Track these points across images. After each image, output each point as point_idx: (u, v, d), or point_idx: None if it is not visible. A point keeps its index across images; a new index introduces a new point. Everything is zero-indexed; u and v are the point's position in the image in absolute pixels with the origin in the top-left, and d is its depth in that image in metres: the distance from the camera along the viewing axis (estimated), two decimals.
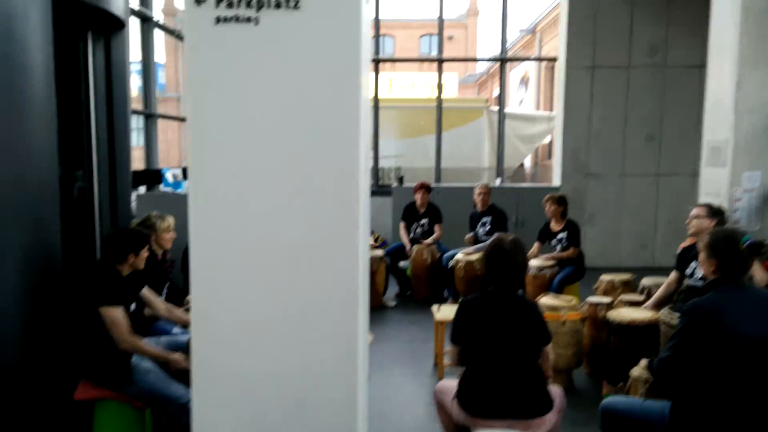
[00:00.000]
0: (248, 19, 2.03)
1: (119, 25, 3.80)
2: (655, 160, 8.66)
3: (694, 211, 4.47)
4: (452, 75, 12.28)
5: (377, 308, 6.71)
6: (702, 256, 2.83)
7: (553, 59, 10.03)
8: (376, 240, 8.88)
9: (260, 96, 2.07)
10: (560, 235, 6.23)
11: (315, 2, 2.04)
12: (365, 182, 2.29)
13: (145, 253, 3.21)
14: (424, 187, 7.39)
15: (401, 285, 7.37)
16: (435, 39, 30.32)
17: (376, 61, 9.72)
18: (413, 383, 4.60)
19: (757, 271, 4.12)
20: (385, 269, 6.89)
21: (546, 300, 4.67)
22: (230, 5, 2.02)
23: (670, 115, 8.52)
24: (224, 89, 2.06)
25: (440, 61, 9.71)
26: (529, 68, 18.00)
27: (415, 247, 7.05)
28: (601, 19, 8.37)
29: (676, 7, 8.06)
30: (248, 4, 2.03)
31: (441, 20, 9.56)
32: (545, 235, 6.40)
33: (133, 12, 6.32)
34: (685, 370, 2.68)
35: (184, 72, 2.68)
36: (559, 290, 5.79)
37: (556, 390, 3.06)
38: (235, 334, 2.15)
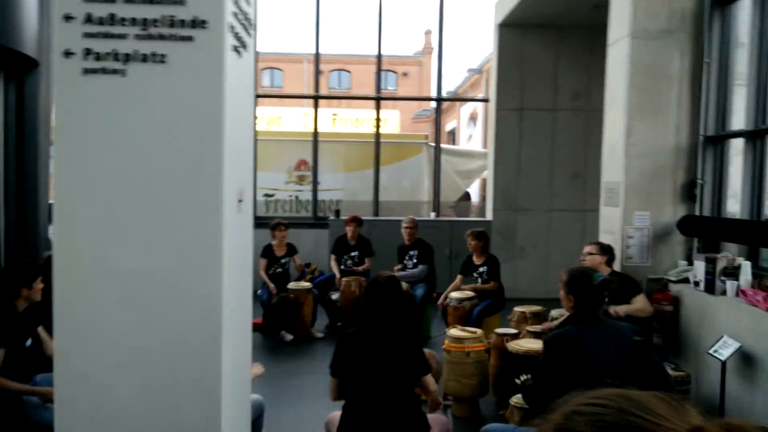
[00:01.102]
0: (115, 71, 2.20)
1: (33, 64, 3.93)
2: (580, 197, 9.06)
3: (587, 249, 4.78)
4: (394, 112, 12.62)
5: (305, 340, 6.82)
6: (561, 293, 3.08)
7: (485, 100, 10.44)
8: (313, 272, 8.97)
9: (126, 144, 2.23)
10: (481, 269, 6.49)
11: (180, 57, 2.22)
12: (233, 222, 2.43)
13: (39, 285, 3.26)
14: (355, 221, 7.60)
15: (331, 316, 7.48)
16: (391, 75, 31.02)
17: (316, 98, 9.98)
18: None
19: (640, 302, 4.43)
20: (313, 301, 7.02)
21: (452, 332, 4.88)
22: (98, 58, 2.19)
23: (593, 154, 8.93)
24: (91, 137, 2.21)
25: (378, 99, 10.02)
26: (478, 106, 18.58)
27: (344, 279, 7.20)
28: (528, 65, 8.83)
29: (597, 56, 8.55)
30: (115, 57, 2.20)
31: (379, 57, 9.91)
32: (467, 269, 6.65)
33: None
34: (547, 396, 2.89)
35: None
36: (477, 322, 6.00)
37: (437, 418, 3.24)
38: (98, 374, 2.23)
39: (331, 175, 10.98)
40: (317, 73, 10.05)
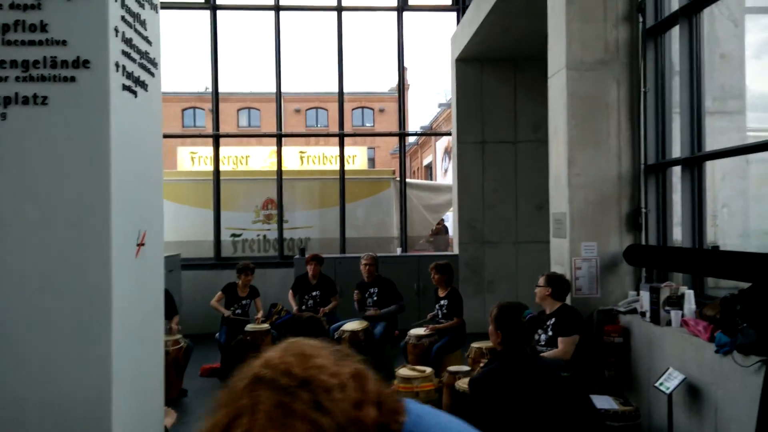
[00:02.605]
0: None
1: None
2: (545, 228, 9.01)
3: (539, 280, 4.72)
4: (361, 149, 12.66)
5: None
6: (490, 328, 3.00)
7: (447, 134, 10.50)
8: (279, 312, 8.83)
9: (6, 189, 2.14)
10: (442, 302, 6.41)
11: (63, 98, 2.16)
12: (130, 268, 2.34)
13: None
14: (315, 259, 7.50)
15: None
16: (367, 111, 31.33)
17: (279, 137, 9.98)
18: None
19: (561, 346, 4.35)
20: (272, 342, 6.85)
21: (401, 371, 4.76)
22: None
23: None
24: None
25: (341, 136, 10.04)
26: (453, 140, 18.71)
27: None
28: (487, 98, 8.90)
29: None
30: None
31: (341, 95, 9.96)
32: (435, 302, 6.58)
33: None
34: None
35: None
36: (437, 359, 5.88)
37: None
38: None
39: (300, 213, 10.92)
40: (279, 111, 10.07)
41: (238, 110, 30.88)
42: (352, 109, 29.91)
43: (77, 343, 2.16)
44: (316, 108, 30.39)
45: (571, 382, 2.86)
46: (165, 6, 9.73)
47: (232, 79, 46.05)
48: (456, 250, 9.30)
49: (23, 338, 2.13)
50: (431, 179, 26.12)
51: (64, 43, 2.16)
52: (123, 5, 2.32)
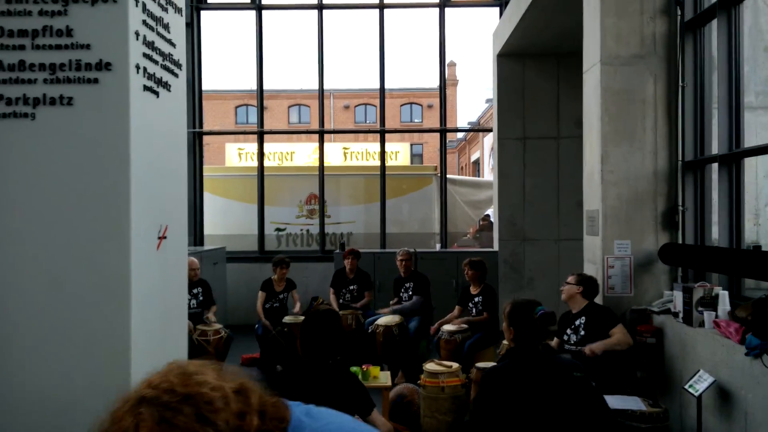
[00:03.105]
0: (25, 115, 2.29)
1: None
2: None
3: (568, 279, 4.67)
4: (404, 144, 12.67)
5: None
6: (504, 324, 3.01)
7: (489, 130, 10.41)
8: (319, 305, 8.96)
9: (34, 185, 2.29)
10: (476, 299, 6.39)
11: (87, 99, 2.30)
12: (150, 260, 2.46)
13: None
14: (353, 254, 7.60)
15: None
16: (416, 107, 31.29)
17: (321, 133, 10.12)
18: None
19: (617, 334, 4.27)
20: None
21: (428, 366, 4.79)
22: (9, 103, 2.28)
23: None
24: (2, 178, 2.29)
25: (383, 132, 10.09)
26: None
27: (341, 313, 7.17)
28: (529, 93, 8.79)
29: None
30: (25, 101, 2.29)
31: (382, 91, 10.00)
32: (465, 299, 6.57)
33: None
34: None
35: None
36: (469, 355, 5.89)
37: None
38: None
39: (342, 208, 11.07)
40: (322, 108, 10.20)
41: (289, 107, 31.33)
42: (401, 105, 29.92)
43: (96, 338, 2.29)
44: (365, 104, 30.55)
45: (584, 382, 2.83)
46: (213, 7, 10.02)
47: (283, 77, 46.77)
48: (496, 247, 9.23)
49: (42, 332, 2.27)
50: (478, 175, 25.94)
51: (87, 47, 2.30)
52: (145, 9, 2.44)
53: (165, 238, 2.62)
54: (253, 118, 31.58)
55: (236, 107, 31.58)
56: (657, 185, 4.74)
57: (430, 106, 30.59)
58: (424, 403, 4.66)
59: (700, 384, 3.75)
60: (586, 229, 5.15)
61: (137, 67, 2.36)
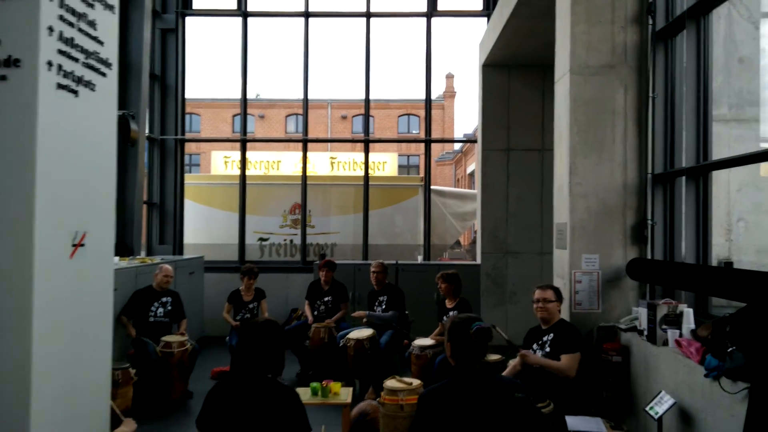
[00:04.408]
0: None
1: None
2: None
3: (545, 294, 4.48)
4: (391, 155, 12.57)
5: None
6: (445, 340, 2.88)
7: (474, 141, 10.31)
8: (299, 317, 8.86)
9: None
10: (451, 313, 6.24)
11: None
12: (62, 269, 2.33)
13: None
14: (327, 265, 7.47)
15: (303, 364, 7.27)
16: (413, 118, 31.25)
17: (304, 142, 10.02)
18: None
19: (564, 362, 4.13)
20: None
21: (389, 383, 4.63)
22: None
23: None
24: None
25: (367, 142, 10.00)
26: None
27: (314, 326, 7.03)
28: (514, 104, 8.69)
29: None
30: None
31: (367, 102, 9.91)
32: (441, 313, 6.43)
33: None
34: None
35: None
36: (440, 371, 5.73)
37: None
38: None
39: (327, 219, 10.96)
40: (306, 117, 10.13)
41: (286, 116, 31.31)
42: (398, 116, 29.91)
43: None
44: (363, 115, 30.54)
45: (525, 403, 2.69)
46: (198, 13, 9.96)
47: (281, 86, 46.83)
48: (478, 260, 9.10)
49: None
50: (474, 188, 25.82)
51: None
52: (62, 4, 2.34)
53: (83, 245, 2.49)
54: (251, 126, 31.61)
55: (233, 116, 31.59)
56: (626, 198, 4.62)
57: None
58: (383, 421, 4.50)
59: (660, 406, 3.60)
60: (555, 242, 5.03)
61: (49, 63, 2.24)
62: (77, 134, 2.45)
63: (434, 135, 29.19)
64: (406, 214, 10.96)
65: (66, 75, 2.35)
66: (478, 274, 8.91)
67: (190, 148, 31.79)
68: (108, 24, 2.67)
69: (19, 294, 2.16)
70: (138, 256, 8.20)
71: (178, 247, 9.90)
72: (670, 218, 4.55)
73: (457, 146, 29.31)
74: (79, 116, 2.46)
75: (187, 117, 35.10)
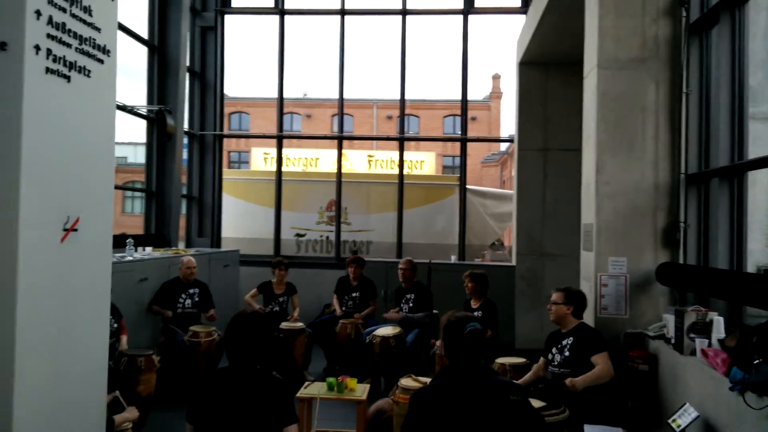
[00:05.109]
0: None
1: None
2: None
3: (553, 296, 4.35)
4: (429, 154, 12.40)
5: (296, 382, 6.59)
6: (440, 339, 2.77)
7: (511, 141, 10.08)
8: (332, 312, 8.85)
9: None
10: (476, 313, 6.10)
11: None
12: (50, 253, 2.33)
13: None
14: (356, 262, 7.43)
15: (330, 359, 7.24)
16: (459, 119, 30.97)
17: (339, 139, 10.01)
18: None
19: (599, 365, 3.92)
20: (306, 341, 6.79)
21: (403, 382, 4.52)
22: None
23: None
24: None
25: (402, 140, 9.90)
26: None
27: (340, 321, 6.99)
28: (552, 103, 8.44)
29: None
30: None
31: (403, 102, 9.81)
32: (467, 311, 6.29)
33: None
34: None
35: None
36: None
37: None
38: None
39: (362, 216, 10.92)
40: (341, 114, 10.12)
41: (332, 116, 31.57)
42: (443, 117, 29.70)
43: None
44: (408, 115, 30.45)
45: (521, 406, 2.55)
46: (236, 11, 10.07)
47: (328, 86, 47.25)
48: (513, 262, 8.87)
49: None
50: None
51: None
52: None
53: (76, 230, 2.49)
54: (297, 125, 31.96)
55: (283, 114, 32.04)
56: (657, 199, 4.38)
57: (473, 119, 30.26)
58: (396, 419, 4.40)
59: (683, 419, 3.38)
60: (582, 244, 4.82)
61: (37, 48, 2.24)
62: (70, 120, 2.46)
63: (481, 136, 28.80)
64: (443, 213, 10.79)
65: (56, 60, 2.35)
66: (513, 275, 8.70)
67: (239, 145, 32.41)
68: (106, 11, 2.67)
69: (2, 276, 2.16)
70: (174, 248, 8.34)
71: (216, 240, 10.05)
72: (704, 221, 4.29)
73: (503, 147, 28.89)
74: (72, 102, 2.46)
75: (236, 115, 35.83)
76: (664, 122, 4.34)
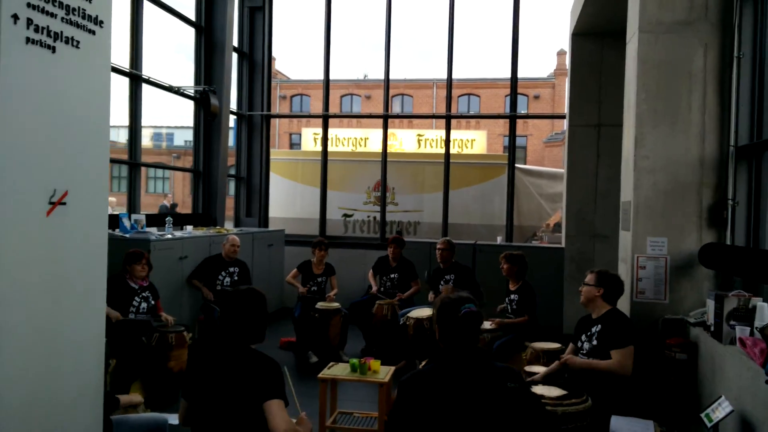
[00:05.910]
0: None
1: None
2: None
3: (587, 278, 4.12)
4: (481, 132, 12.07)
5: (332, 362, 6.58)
6: (434, 321, 2.61)
7: (562, 116, 9.64)
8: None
9: None
10: (512, 296, 5.91)
11: None
12: (37, 227, 2.30)
13: None
14: (396, 242, 7.32)
15: (368, 340, 7.18)
16: (522, 98, 30.11)
17: (385, 118, 9.86)
18: None
19: (615, 358, 3.66)
20: (342, 321, 6.75)
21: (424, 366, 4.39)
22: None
23: None
24: None
25: (448, 118, 9.66)
26: None
27: (377, 302, 6.91)
28: (607, 77, 7.98)
29: None
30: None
31: (450, 80, 9.55)
32: (505, 294, 6.09)
33: (120, 71, 6.94)
34: None
35: None
36: (497, 356, 5.41)
37: None
38: None
39: (410, 197, 10.78)
40: (387, 95, 9.94)
41: (392, 96, 31.44)
42: (506, 96, 28.98)
43: None
44: (468, 95, 29.91)
45: (519, 393, 2.37)
46: None
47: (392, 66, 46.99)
48: (563, 243, 8.52)
49: None
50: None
51: None
52: None
53: (64, 203, 2.47)
54: (357, 106, 32.00)
55: (341, 96, 32.16)
56: (703, 174, 4.02)
57: (536, 97, 29.38)
58: None
59: (717, 413, 3.10)
60: (621, 223, 4.51)
61: (15, 17, 2.21)
62: (56, 91, 2.43)
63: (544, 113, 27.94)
64: (494, 193, 10.50)
65: (38, 30, 2.32)
66: (562, 258, 8.35)
67: (294, 126, 32.74)
68: None
69: None
70: (218, 227, 8.47)
71: (263, 219, 10.15)
72: (755, 198, 3.90)
73: (566, 126, 27.92)
74: (57, 73, 2.43)
75: (297, 98, 36.08)
76: (712, 90, 3.97)
